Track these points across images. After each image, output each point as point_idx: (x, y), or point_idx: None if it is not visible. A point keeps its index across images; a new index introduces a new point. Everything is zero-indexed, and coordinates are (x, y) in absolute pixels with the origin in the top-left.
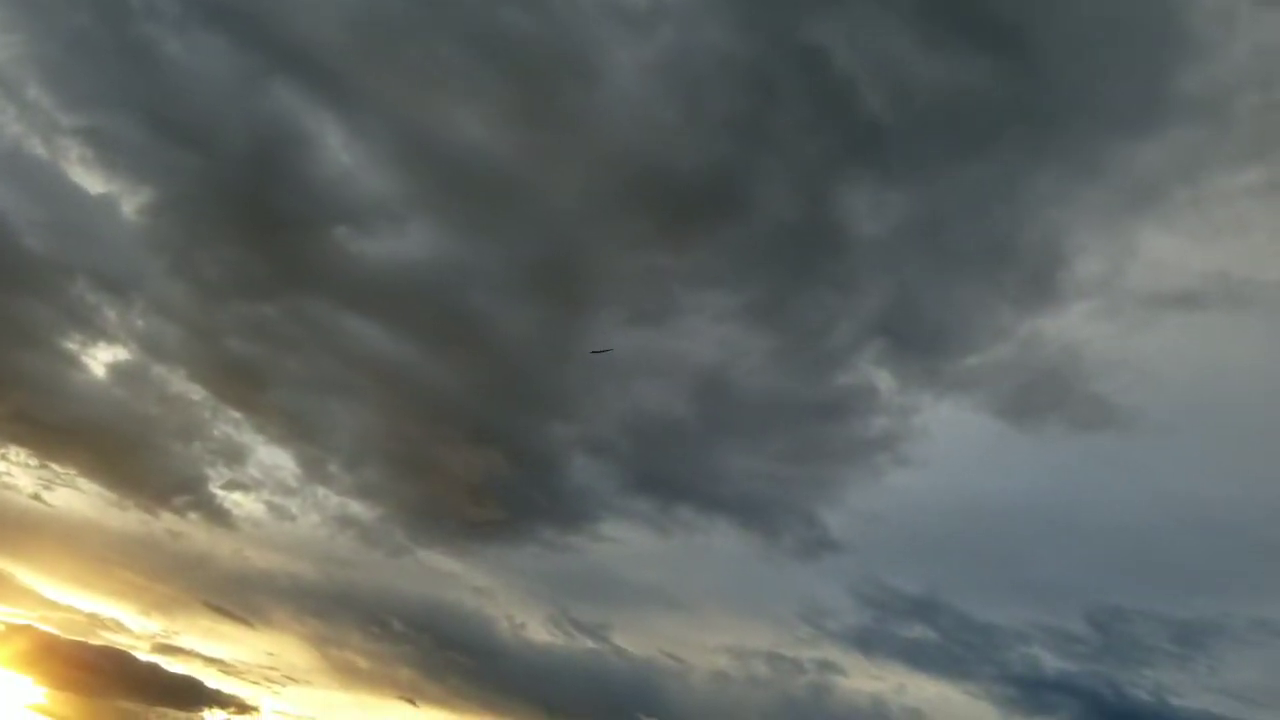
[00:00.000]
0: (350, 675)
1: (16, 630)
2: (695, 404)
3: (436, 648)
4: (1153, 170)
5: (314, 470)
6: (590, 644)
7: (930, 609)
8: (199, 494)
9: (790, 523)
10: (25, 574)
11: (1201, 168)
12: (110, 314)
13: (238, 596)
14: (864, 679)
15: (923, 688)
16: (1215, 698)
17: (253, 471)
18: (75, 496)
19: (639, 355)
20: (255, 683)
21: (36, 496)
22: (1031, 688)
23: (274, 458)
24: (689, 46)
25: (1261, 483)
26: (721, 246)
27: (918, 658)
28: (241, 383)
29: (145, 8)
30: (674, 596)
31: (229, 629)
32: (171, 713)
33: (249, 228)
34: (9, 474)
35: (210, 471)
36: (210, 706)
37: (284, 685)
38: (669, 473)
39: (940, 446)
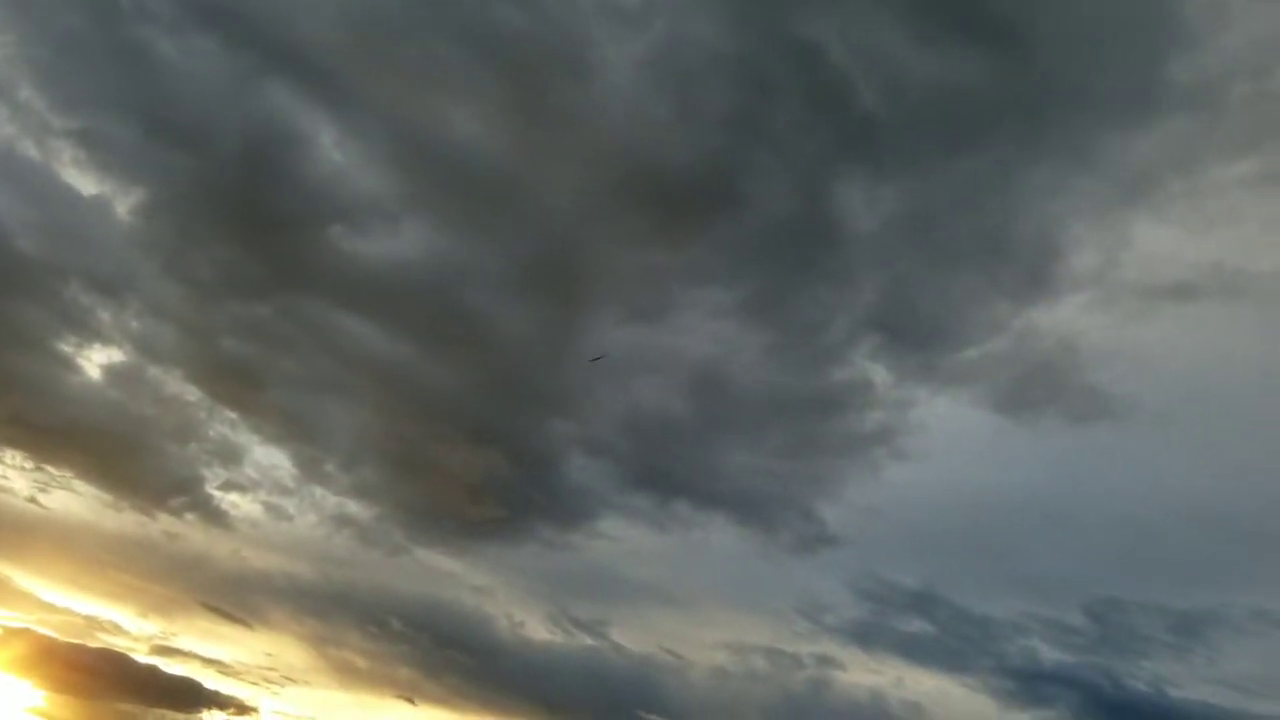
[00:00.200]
0: (349, 675)
1: (14, 634)
2: (692, 400)
3: (435, 647)
4: (1146, 162)
5: (311, 470)
6: (589, 641)
7: (928, 602)
8: (195, 495)
9: (788, 518)
10: (22, 577)
11: (1195, 159)
12: (104, 315)
13: (235, 597)
14: (862, 673)
15: (921, 681)
16: (1213, 689)
17: (249, 472)
18: (71, 499)
19: (635, 352)
20: (254, 683)
21: (32, 499)
22: (1029, 680)
23: (270, 458)
24: (682, 42)
25: (1258, 472)
26: (716, 242)
27: (916, 651)
28: (237, 383)
29: (137, 9)
30: (672, 593)
31: (227, 630)
32: (170, 714)
33: (243, 228)
34: (4, 477)
35: (206, 472)
36: (209, 708)
37: (283, 685)
38: (666, 469)
39: (937, 440)
